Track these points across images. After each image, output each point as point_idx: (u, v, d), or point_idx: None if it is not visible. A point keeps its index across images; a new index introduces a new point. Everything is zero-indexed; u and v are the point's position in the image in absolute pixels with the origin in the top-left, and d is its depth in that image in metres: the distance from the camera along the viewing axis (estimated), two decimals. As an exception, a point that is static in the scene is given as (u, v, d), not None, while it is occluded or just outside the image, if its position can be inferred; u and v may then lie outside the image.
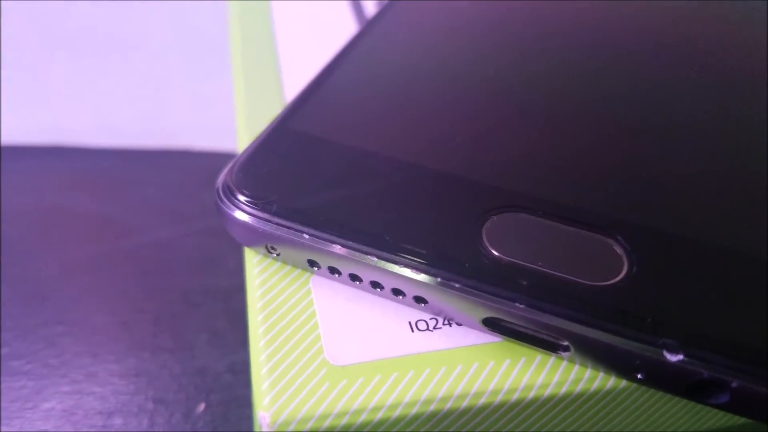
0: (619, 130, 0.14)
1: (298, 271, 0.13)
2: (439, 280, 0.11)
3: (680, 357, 0.10)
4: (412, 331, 0.12)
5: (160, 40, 0.29)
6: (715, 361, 0.10)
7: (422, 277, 0.11)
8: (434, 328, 0.12)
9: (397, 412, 0.11)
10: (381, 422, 0.11)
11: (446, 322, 0.12)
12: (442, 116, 0.14)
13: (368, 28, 0.16)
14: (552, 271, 0.11)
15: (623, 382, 0.11)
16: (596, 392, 0.11)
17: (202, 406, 0.16)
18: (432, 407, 0.11)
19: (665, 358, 0.10)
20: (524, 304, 0.11)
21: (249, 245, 0.13)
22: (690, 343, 0.10)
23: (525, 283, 0.11)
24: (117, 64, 0.27)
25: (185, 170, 0.21)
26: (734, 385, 0.10)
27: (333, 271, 0.12)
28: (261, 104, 0.16)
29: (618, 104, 0.14)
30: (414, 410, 0.11)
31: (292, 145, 0.13)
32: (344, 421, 0.10)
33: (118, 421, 0.15)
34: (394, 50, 0.16)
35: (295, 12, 0.20)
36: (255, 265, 0.13)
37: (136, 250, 0.19)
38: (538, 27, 0.17)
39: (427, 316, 0.12)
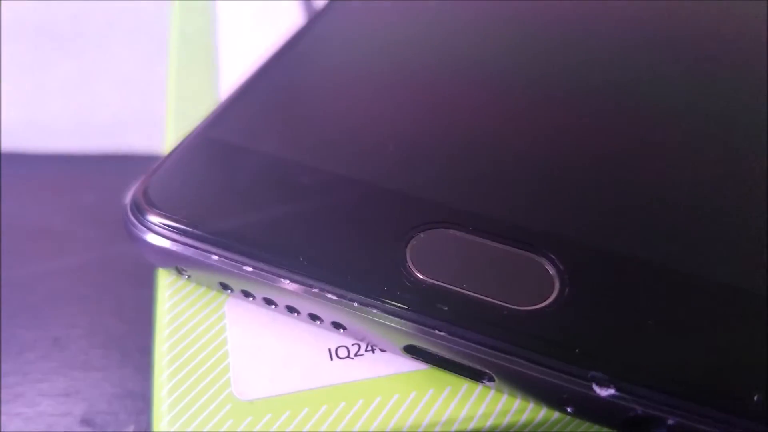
0: (557, 141, 0.13)
1: (213, 293, 0.12)
2: (355, 305, 0.10)
3: (611, 392, 0.09)
4: (331, 359, 0.11)
5: (94, 31, 0.27)
6: (649, 397, 0.09)
7: (338, 301, 0.10)
8: (356, 355, 0.11)
9: None
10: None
11: (369, 348, 0.11)
12: (368, 126, 0.13)
13: (296, 35, 0.15)
14: (476, 295, 0.10)
15: (556, 414, 0.10)
16: (526, 425, 0.10)
17: (131, 428, 0.15)
18: (344, 446, 0.10)
19: (595, 392, 0.09)
20: (444, 332, 0.10)
21: (158, 266, 0.12)
22: (623, 376, 0.09)
23: (446, 308, 0.10)
24: (46, 59, 0.25)
25: (124, 175, 0.20)
26: (671, 422, 0.09)
27: (247, 294, 0.11)
28: (193, 111, 0.15)
29: (556, 112, 0.13)
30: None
31: (204, 157, 0.12)
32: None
33: (43, 444, 0.15)
34: (321, 59, 0.15)
35: (240, 13, 0.19)
36: (167, 286, 0.12)
37: (72, 262, 0.18)
38: (474, 35, 0.16)
39: (349, 342, 0.11)
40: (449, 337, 0.10)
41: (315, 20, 0.16)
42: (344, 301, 0.10)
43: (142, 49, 0.26)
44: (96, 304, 0.17)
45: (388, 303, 0.10)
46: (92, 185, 0.21)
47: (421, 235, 0.11)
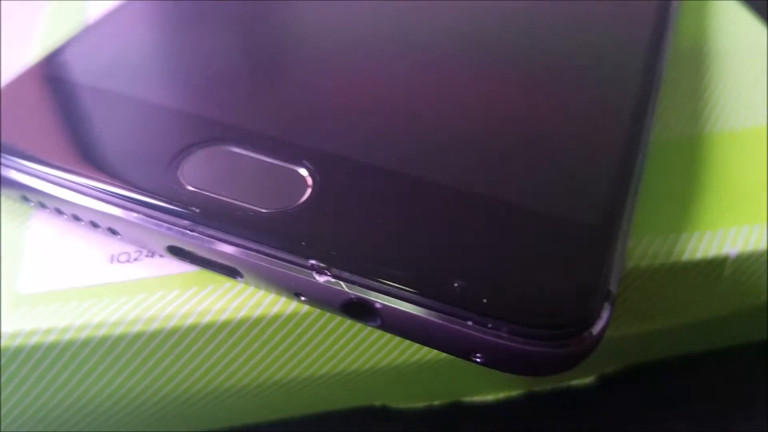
0: (312, 63, 0.14)
1: (27, 207, 0.13)
2: (120, 210, 0.11)
3: (327, 278, 0.10)
4: (111, 262, 0.12)
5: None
6: (356, 282, 0.10)
7: (104, 206, 0.11)
8: (135, 260, 0.12)
9: (68, 335, 0.11)
10: (53, 345, 0.11)
11: (150, 254, 0.12)
12: (160, 57, 0.14)
13: None
14: (229, 200, 0.11)
15: (304, 308, 0.11)
16: (277, 317, 0.12)
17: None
18: (102, 332, 0.11)
19: (315, 279, 0.10)
20: (195, 232, 0.11)
21: None
22: (335, 264, 0.10)
23: (198, 210, 0.11)
24: None
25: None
26: (378, 306, 0.10)
27: (42, 205, 0.12)
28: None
29: (309, 34, 0.15)
30: (84, 334, 0.11)
31: (19, 89, 0.13)
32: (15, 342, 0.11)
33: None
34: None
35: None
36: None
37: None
38: None
39: (132, 249, 0.12)
40: (199, 236, 0.11)
41: None
42: (110, 206, 0.11)
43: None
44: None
45: (149, 207, 0.11)
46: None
47: (197, 149, 0.12)
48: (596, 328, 0.10)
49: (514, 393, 0.15)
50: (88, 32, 0.15)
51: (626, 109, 0.13)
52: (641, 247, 0.12)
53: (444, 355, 0.13)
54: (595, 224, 0.11)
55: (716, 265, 0.13)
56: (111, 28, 0.15)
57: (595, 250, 0.10)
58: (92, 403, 0.13)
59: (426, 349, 0.13)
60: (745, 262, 0.13)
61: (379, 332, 0.12)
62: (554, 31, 0.15)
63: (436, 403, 0.15)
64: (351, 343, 0.12)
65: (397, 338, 0.12)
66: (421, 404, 0.15)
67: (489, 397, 0.15)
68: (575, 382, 0.15)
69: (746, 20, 0.18)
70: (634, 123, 0.13)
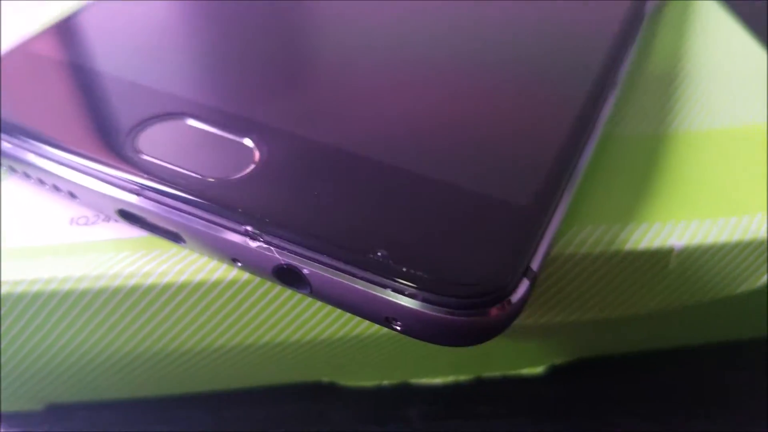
0: (271, 46, 0.15)
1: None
2: (75, 173, 0.12)
3: (259, 244, 0.11)
4: (71, 224, 0.13)
5: None
6: (285, 248, 0.11)
7: (63, 170, 0.12)
8: (93, 223, 0.13)
9: (19, 288, 0.12)
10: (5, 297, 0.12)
11: (106, 218, 0.13)
12: (140, 37, 0.15)
13: None
14: (177, 168, 0.12)
15: (244, 276, 0.12)
16: (217, 283, 0.12)
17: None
18: (51, 287, 0.12)
19: (248, 244, 0.11)
20: (141, 196, 0.12)
21: None
22: (266, 231, 0.11)
23: (145, 176, 0.12)
24: None
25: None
26: (306, 272, 0.11)
27: (12, 170, 0.13)
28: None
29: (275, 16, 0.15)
30: (34, 288, 0.12)
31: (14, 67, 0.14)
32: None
33: None
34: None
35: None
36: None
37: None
38: None
39: (90, 213, 0.13)
40: (145, 200, 0.12)
41: None
42: (69, 170, 0.12)
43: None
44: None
45: (100, 172, 0.12)
46: None
47: (154, 121, 0.13)
48: (512, 300, 0.10)
49: (462, 377, 0.15)
50: (70, 16, 0.16)
51: (569, 99, 0.13)
52: (583, 235, 0.13)
53: (385, 331, 0.13)
54: (519, 203, 0.11)
55: (660, 257, 0.13)
56: (87, 14, 0.16)
57: (516, 228, 0.11)
58: (40, 360, 0.13)
59: (365, 323, 0.13)
60: (691, 256, 0.13)
61: (318, 304, 0.13)
62: (498, 15, 0.15)
63: (386, 383, 0.15)
64: (291, 314, 0.13)
65: (336, 311, 0.13)
66: (369, 383, 0.15)
67: (438, 380, 0.15)
68: (525, 371, 0.15)
69: (723, 23, 0.18)
70: (575, 111, 0.13)
